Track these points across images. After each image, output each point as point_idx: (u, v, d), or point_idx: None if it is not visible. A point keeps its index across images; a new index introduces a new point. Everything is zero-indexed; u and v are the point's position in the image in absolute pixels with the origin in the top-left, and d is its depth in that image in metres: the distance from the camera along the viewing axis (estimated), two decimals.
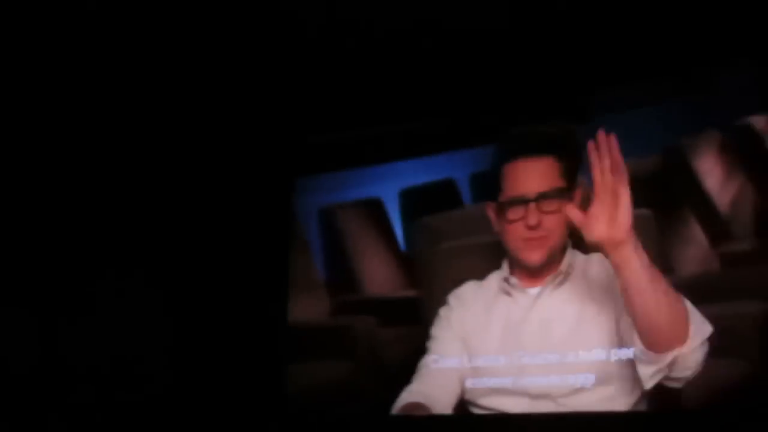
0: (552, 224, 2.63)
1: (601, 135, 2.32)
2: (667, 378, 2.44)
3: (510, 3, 3.11)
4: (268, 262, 3.46)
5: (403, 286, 3.55)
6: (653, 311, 2.32)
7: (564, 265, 2.68)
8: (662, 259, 2.86)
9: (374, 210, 3.63)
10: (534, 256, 2.65)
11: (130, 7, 3.06)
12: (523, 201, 2.63)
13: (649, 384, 2.45)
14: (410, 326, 3.28)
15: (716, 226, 3.09)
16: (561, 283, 2.68)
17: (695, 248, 3.08)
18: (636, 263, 2.31)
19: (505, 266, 2.77)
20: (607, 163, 2.31)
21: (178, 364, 3.29)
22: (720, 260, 3.08)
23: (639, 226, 2.73)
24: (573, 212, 2.38)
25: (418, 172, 3.53)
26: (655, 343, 2.38)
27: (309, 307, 3.50)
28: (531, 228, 2.62)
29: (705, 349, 2.42)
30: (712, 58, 3.09)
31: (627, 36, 3.13)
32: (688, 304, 2.41)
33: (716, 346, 2.83)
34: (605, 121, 3.28)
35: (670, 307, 2.33)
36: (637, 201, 2.81)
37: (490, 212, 2.76)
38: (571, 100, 3.20)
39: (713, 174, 3.13)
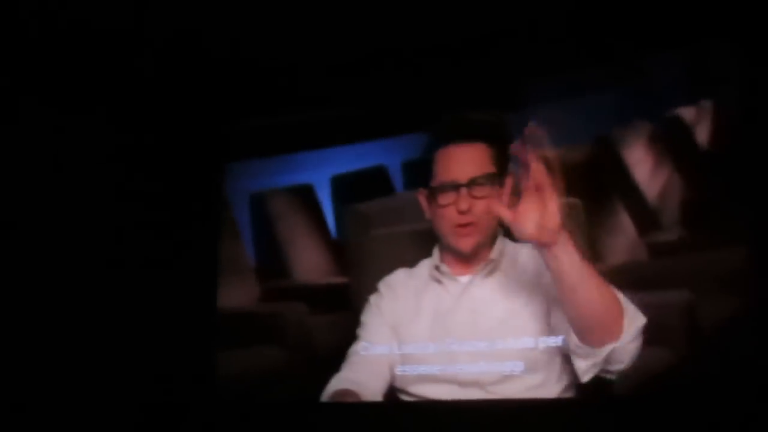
0: (483, 210, 2.63)
1: (528, 130, 2.32)
2: (603, 370, 2.46)
3: None
4: (199, 248, 3.43)
5: (334, 273, 3.54)
6: (586, 307, 2.33)
7: (495, 253, 2.68)
8: (591, 248, 2.89)
9: (306, 196, 3.60)
10: (465, 243, 2.65)
11: None
12: (455, 186, 2.62)
13: (585, 378, 2.47)
14: (341, 313, 3.28)
15: (645, 216, 3.12)
16: (491, 272, 2.68)
17: (624, 238, 3.11)
18: (566, 261, 2.32)
19: (436, 253, 2.77)
20: (534, 163, 2.30)
21: (108, 349, 3.25)
22: (648, 250, 3.12)
23: (568, 215, 2.76)
24: (501, 210, 2.38)
25: (350, 159, 3.52)
26: (589, 339, 2.39)
27: (239, 293, 3.48)
28: (462, 213, 2.61)
29: (640, 340, 2.44)
30: (643, 50, 3.11)
31: (559, 26, 3.14)
32: (622, 297, 2.43)
33: (643, 334, 2.87)
34: (537, 110, 3.31)
35: (603, 303, 2.34)
36: (567, 190, 2.83)
37: (422, 198, 2.75)
38: (504, 89, 3.21)
39: (642, 165, 3.15)
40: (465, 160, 2.64)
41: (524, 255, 2.69)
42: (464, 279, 2.69)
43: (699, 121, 3.13)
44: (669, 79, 3.17)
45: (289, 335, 3.39)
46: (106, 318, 3.26)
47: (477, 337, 2.64)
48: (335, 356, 2.89)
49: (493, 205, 2.45)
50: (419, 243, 2.88)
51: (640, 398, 2.70)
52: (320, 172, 3.57)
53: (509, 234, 2.74)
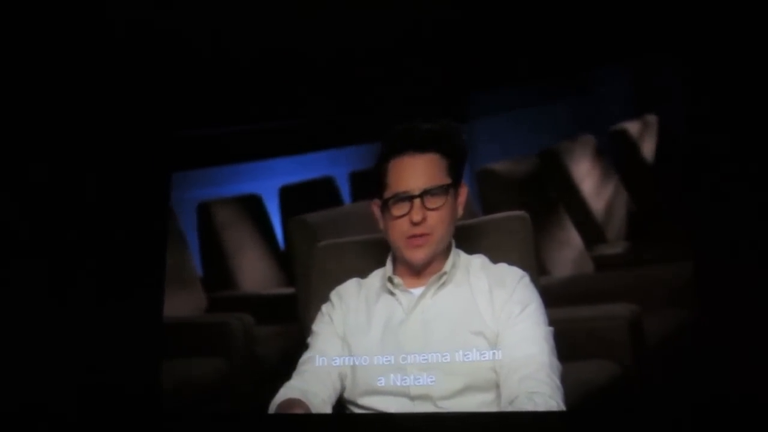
0: (436, 221, 2.56)
1: None
2: None
3: (392, 3, 3.08)
4: (144, 257, 3.36)
5: (281, 284, 3.50)
6: None
7: (448, 265, 2.62)
8: (538, 261, 2.86)
9: (253, 206, 3.57)
10: (418, 254, 2.58)
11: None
12: (408, 197, 2.56)
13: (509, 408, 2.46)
14: (287, 324, 3.23)
15: (591, 229, 3.11)
16: (444, 284, 2.62)
17: (570, 251, 3.09)
18: None
19: (389, 264, 2.71)
20: None
21: (50, 357, 3.17)
22: (594, 263, 3.11)
23: (516, 228, 2.73)
24: None
25: (298, 169, 3.49)
26: None
27: (185, 303, 3.43)
28: (415, 224, 2.56)
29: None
30: (590, 64, 3.10)
31: (506, 38, 3.12)
32: (552, 376, 2.45)
33: (587, 347, 2.84)
34: (483, 122, 3.28)
35: None
36: (514, 202, 2.79)
37: (375, 210, 2.69)
38: (452, 101, 3.18)
39: (589, 178, 3.14)
40: (418, 171, 2.58)
41: (477, 267, 2.65)
42: (417, 291, 2.63)
43: (644, 135, 3.13)
44: (614, 93, 3.16)
45: (234, 345, 3.34)
46: (50, 327, 3.18)
47: (428, 350, 2.59)
48: (281, 367, 2.83)
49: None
50: (366, 254, 2.83)
51: (583, 411, 2.67)
52: (268, 182, 3.53)
53: (462, 245, 2.70)
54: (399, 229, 2.57)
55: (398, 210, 2.55)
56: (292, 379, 2.69)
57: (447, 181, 2.55)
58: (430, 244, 2.57)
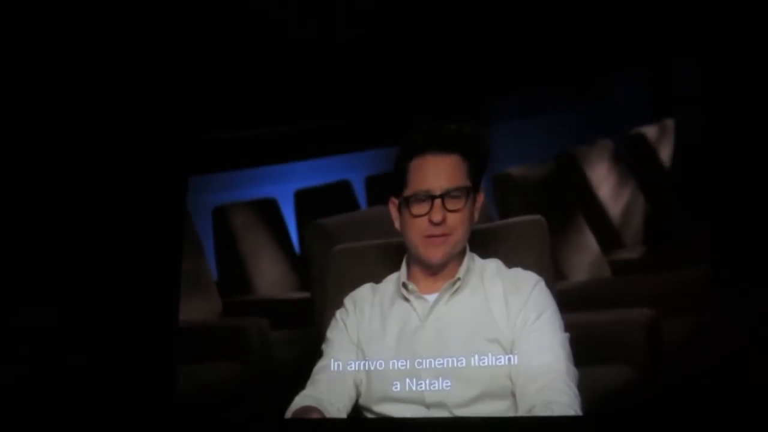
0: (456, 222, 2.55)
1: None
2: None
3: (410, 6, 3.09)
4: (160, 261, 3.36)
5: (297, 288, 3.49)
6: None
7: (462, 270, 2.60)
8: (555, 265, 2.85)
9: (269, 210, 3.56)
10: (435, 254, 2.57)
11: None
12: (430, 196, 2.55)
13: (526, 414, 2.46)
14: (303, 328, 3.23)
15: (608, 234, 3.09)
16: (458, 290, 2.61)
17: (587, 255, 3.07)
18: None
19: (403, 269, 2.70)
20: None
21: (67, 362, 3.18)
22: (611, 268, 3.09)
23: (532, 232, 2.72)
24: None
25: (314, 173, 3.48)
26: None
27: (200, 307, 3.42)
28: (435, 224, 2.55)
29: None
30: (607, 69, 3.09)
31: (524, 43, 3.11)
32: (568, 383, 2.46)
33: (604, 352, 2.83)
34: (500, 127, 3.27)
35: None
36: (531, 207, 2.78)
37: (393, 208, 2.67)
38: (469, 105, 3.17)
39: (606, 183, 3.13)
40: (440, 171, 2.57)
41: (491, 272, 2.63)
42: (431, 297, 2.61)
43: (661, 140, 3.11)
44: (632, 98, 3.15)
45: (250, 350, 3.33)
46: (68, 330, 3.19)
47: (443, 357, 2.58)
48: (297, 372, 2.82)
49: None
50: (382, 258, 2.82)
51: (601, 416, 2.65)
52: (284, 186, 3.52)
53: (478, 249, 2.69)
54: (417, 228, 2.57)
55: (418, 209, 2.55)
56: (307, 389, 2.68)
57: (467, 183, 2.55)
58: (449, 244, 2.56)
